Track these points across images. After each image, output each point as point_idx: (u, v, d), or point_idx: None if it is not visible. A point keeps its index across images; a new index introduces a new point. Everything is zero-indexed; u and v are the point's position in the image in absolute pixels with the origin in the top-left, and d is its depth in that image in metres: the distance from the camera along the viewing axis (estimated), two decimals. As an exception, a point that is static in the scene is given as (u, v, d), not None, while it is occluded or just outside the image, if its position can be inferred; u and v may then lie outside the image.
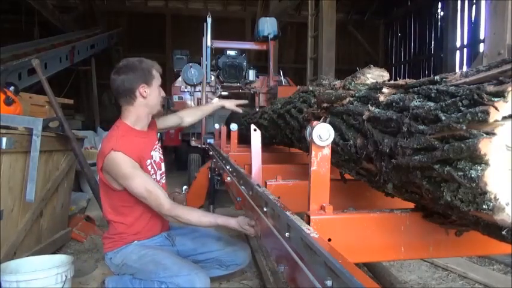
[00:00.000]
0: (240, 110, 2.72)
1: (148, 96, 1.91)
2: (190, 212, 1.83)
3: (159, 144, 2.14)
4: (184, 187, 4.00)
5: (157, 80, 1.95)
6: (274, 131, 2.46)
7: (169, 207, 1.80)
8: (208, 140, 4.23)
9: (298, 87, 2.31)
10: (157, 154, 2.06)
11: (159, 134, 2.24)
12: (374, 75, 1.42)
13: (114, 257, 1.94)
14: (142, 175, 1.82)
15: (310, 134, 0.97)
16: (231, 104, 2.64)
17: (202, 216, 1.82)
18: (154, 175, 2.00)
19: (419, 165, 0.81)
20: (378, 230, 1.04)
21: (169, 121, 2.43)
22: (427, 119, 0.80)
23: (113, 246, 1.95)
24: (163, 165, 2.12)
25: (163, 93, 2.02)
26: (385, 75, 1.44)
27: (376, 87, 1.13)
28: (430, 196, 0.83)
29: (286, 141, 2.30)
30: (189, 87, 5.56)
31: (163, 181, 2.10)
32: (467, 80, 0.76)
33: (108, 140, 1.86)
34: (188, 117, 2.49)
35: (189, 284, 1.72)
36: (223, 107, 2.64)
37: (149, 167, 1.96)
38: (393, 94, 1.02)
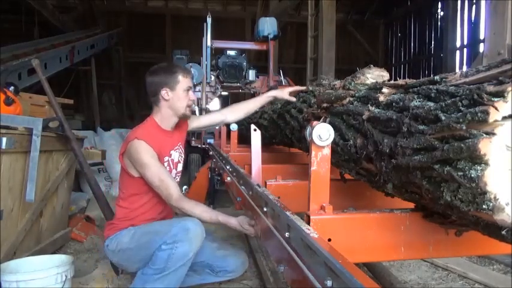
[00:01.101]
0: (293, 99, 2.16)
1: (171, 100, 1.99)
2: (195, 206, 1.88)
3: (182, 146, 2.17)
4: (184, 187, 3.99)
5: (182, 85, 1.98)
6: (274, 131, 2.46)
7: (177, 198, 1.88)
8: (208, 140, 4.24)
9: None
10: (177, 155, 2.12)
11: None
12: (374, 75, 1.42)
13: (110, 243, 2.01)
14: (158, 165, 1.91)
15: (310, 134, 0.97)
16: (283, 94, 2.24)
17: (204, 212, 1.87)
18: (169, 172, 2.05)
19: (419, 165, 0.81)
20: (378, 230, 1.04)
21: (208, 119, 2.41)
22: (427, 119, 0.80)
23: (109, 232, 2.03)
24: (180, 165, 2.16)
25: (193, 98, 2.04)
26: (385, 75, 1.44)
27: (376, 87, 1.13)
28: (430, 196, 0.83)
29: (286, 141, 2.30)
30: (189, 87, 5.55)
31: (178, 180, 2.14)
32: (467, 80, 0.76)
33: (135, 130, 2.00)
34: (232, 113, 2.36)
35: (182, 229, 1.81)
36: (274, 99, 2.35)
37: (165, 164, 2.03)
38: (393, 94, 1.02)
